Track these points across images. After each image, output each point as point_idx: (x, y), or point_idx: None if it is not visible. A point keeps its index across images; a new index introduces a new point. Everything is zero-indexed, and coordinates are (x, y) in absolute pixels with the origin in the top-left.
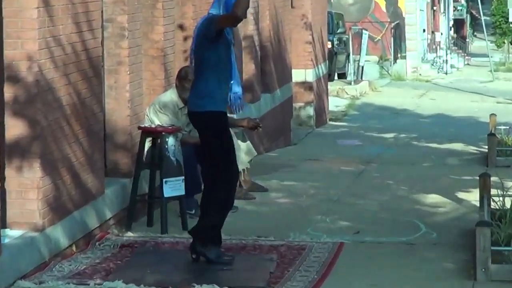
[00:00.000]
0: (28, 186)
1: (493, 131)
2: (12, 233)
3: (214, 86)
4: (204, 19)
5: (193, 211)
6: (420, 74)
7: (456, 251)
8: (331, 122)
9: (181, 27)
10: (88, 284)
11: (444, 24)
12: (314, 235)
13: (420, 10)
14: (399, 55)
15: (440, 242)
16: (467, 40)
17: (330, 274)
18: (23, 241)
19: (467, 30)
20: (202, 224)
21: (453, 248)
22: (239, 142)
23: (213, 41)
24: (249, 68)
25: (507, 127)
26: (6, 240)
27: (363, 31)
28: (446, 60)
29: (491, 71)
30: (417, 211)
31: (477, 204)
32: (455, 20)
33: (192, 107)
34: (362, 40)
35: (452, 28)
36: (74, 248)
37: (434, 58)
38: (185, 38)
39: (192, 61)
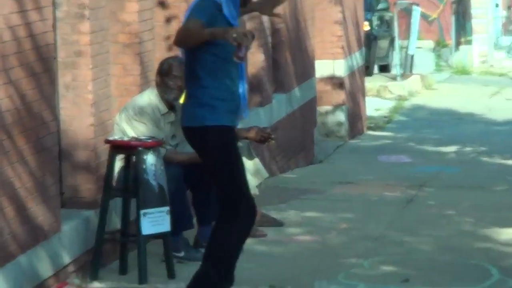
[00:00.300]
0: None
1: None
2: None
3: (215, 90)
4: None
5: (182, 254)
6: (491, 66)
7: None
8: (369, 132)
9: (162, 3)
10: None
11: None
12: (348, 285)
13: None
14: (462, 39)
15: None
16: None
17: None
18: None
19: None
20: (206, 273)
21: None
22: (244, 159)
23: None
24: (256, 59)
25: None
26: None
27: (414, 7)
28: None
29: None
30: (487, 251)
31: None
32: None
33: (187, 120)
34: (412, 20)
35: None
36: None
37: (511, 44)
38: (168, 19)
39: (182, 52)
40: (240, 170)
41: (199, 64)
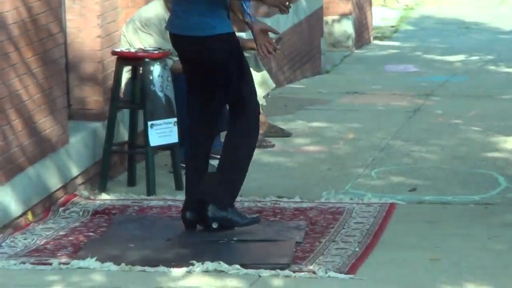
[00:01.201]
0: None
1: None
2: None
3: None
4: None
5: None
6: None
7: None
8: (376, 42)
9: None
10: (50, 264)
11: None
12: (355, 194)
13: None
14: None
15: None
16: None
17: (377, 246)
18: None
19: None
20: (222, 181)
21: None
22: (251, 70)
23: None
24: None
25: None
26: None
27: None
28: None
29: None
30: (494, 160)
31: None
32: None
33: (194, 29)
34: None
35: None
36: (29, 216)
37: None
38: None
39: None
40: (249, 71)
41: None
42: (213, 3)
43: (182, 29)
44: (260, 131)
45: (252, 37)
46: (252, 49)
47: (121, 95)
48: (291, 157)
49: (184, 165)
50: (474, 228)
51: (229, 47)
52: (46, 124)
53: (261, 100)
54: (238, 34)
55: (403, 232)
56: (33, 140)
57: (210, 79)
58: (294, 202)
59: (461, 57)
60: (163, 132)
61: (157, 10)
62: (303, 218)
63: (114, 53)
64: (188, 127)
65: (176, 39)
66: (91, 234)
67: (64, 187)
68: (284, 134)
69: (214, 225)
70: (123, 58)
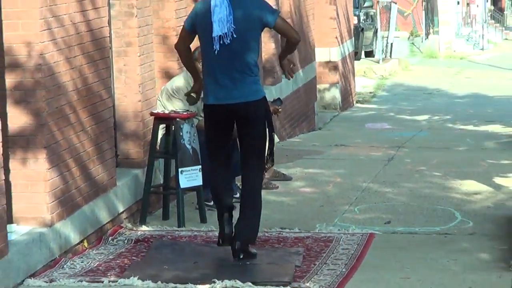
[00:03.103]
0: (34, 179)
1: None
2: (19, 229)
3: (258, 70)
4: (260, 3)
5: (212, 203)
6: (454, 51)
7: (493, 241)
8: (358, 105)
9: (195, 1)
10: (102, 282)
11: None
12: (342, 226)
13: None
14: (431, 30)
15: (477, 232)
16: (505, 12)
17: (360, 267)
18: (31, 237)
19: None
20: (254, 223)
21: (491, 237)
22: None
23: (263, 29)
24: (268, 47)
25: None
26: (13, 237)
27: (392, 4)
28: (483, 35)
29: None
30: (452, 198)
31: None
32: None
33: (249, 95)
34: (391, 15)
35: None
36: (85, 244)
37: (469, 33)
38: None
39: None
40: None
41: (255, 48)
42: (257, 72)
43: (236, 98)
44: (267, 176)
45: None
46: None
47: (158, 147)
48: (292, 197)
49: (207, 203)
50: (436, 253)
51: (266, 106)
52: (98, 171)
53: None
54: None
55: (380, 256)
56: (88, 183)
57: (249, 131)
58: (294, 232)
59: (425, 117)
60: (190, 177)
61: (185, 80)
62: (301, 245)
63: (152, 114)
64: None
65: (226, 107)
66: (134, 258)
67: (112, 220)
68: (286, 178)
69: (241, 255)
70: (159, 118)
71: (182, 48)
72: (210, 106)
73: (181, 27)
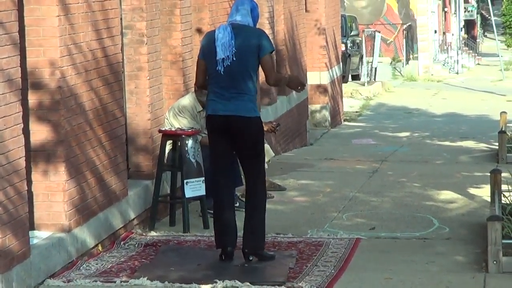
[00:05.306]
0: (54, 189)
1: (503, 129)
2: (40, 234)
3: (256, 92)
4: (259, 34)
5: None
6: (432, 74)
7: (468, 245)
8: (345, 123)
9: (199, 30)
10: (115, 282)
11: (455, 25)
12: (331, 232)
13: (432, 11)
14: (411, 56)
15: (453, 237)
16: (477, 40)
17: (347, 269)
18: (51, 241)
19: (478, 30)
20: (263, 230)
21: (465, 242)
22: None
23: (258, 59)
24: None
25: None
26: (35, 241)
27: (376, 33)
28: (457, 60)
29: (501, 70)
30: (430, 207)
31: (488, 199)
32: (466, 21)
33: (242, 111)
34: (375, 42)
35: (463, 29)
36: (100, 247)
37: (446, 59)
38: None
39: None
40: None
41: (253, 71)
42: (254, 93)
43: (231, 111)
44: None
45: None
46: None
47: (165, 161)
48: (286, 205)
49: (209, 211)
50: (416, 256)
51: (261, 125)
52: (112, 182)
53: (265, 165)
54: None
55: (365, 259)
56: (103, 193)
57: (245, 147)
58: (287, 237)
59: (406, 133)
60: (195, 187)
61: (190, 100)
62: (294, 249)
63: (160, 131)
64: (213, 188)
65: (221, 119)
66: (143, 260)
67: (124, 226)
68: (281, 188)
69: (250, 258)
70: (166, 135)
71: (201, 82)
72: (208, 116)
73: (187, 53)
